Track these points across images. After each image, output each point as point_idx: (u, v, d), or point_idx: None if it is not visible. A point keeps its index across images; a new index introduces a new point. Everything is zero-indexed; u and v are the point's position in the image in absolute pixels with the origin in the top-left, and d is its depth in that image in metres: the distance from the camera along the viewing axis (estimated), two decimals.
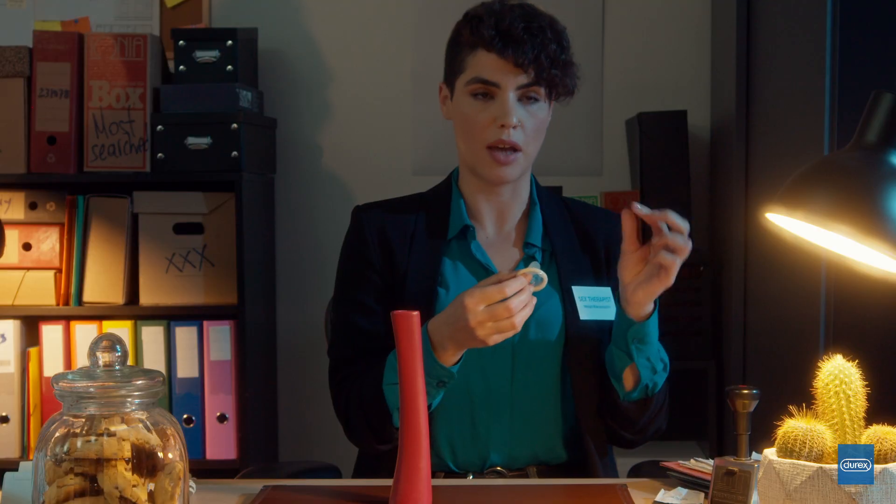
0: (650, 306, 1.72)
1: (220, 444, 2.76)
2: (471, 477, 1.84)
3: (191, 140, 2.73)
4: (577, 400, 1.85)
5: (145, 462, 1.30)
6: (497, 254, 1.89)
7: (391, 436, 1.79)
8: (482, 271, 1.85)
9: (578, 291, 1.81)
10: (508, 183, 1.86)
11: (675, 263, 1.66)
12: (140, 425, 1.31)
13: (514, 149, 1.81)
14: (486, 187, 1.89)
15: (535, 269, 1.64)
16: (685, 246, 1.66)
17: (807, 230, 1.44)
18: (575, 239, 1.91)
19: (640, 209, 1.67)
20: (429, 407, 1.75)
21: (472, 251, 1.88)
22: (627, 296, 1.72)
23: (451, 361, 1.71)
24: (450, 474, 1.86)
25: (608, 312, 1.84)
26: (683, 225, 1.67)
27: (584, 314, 1.83)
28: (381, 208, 1.95)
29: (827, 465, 1.33)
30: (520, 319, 1.62)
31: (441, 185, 1.97)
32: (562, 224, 1.91)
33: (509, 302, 1.61)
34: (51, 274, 2.77)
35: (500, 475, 1.85)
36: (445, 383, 1.72)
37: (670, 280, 1.67)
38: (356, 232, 1.93)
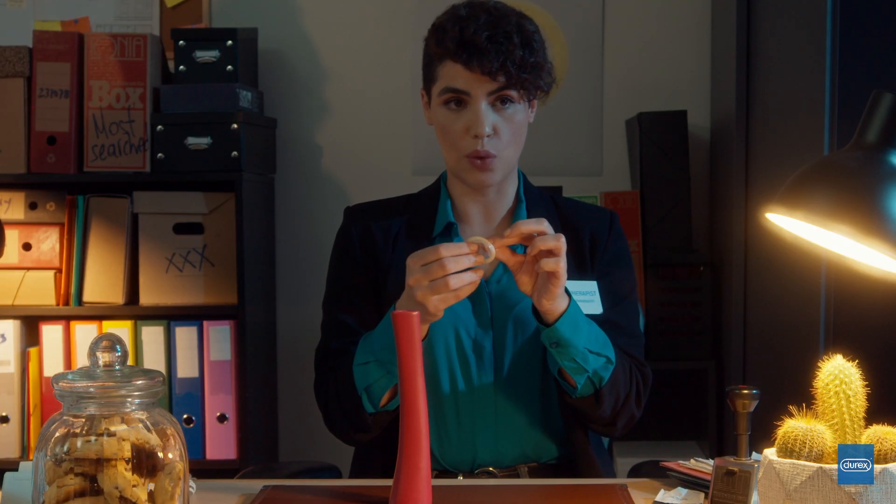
0: (561, 305, 1.70)
1: (220, 444, 2.76)
2: (460, 478, 1.84)
3: (191, 140, 2.73)
4: (561, 396, 1.84)
5: (145, 462, 1.30)
6: None
7: (365, 423, 1.79)
8: None
9: None
10: (491, 186, 1.87)
11: (559, 263, 1.64)
12: (140, 425, 1.31)
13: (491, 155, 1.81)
14: (470, 189, 1.90)
15: (480, 239, 1.63)
16: (557, 243, 1.63)
17: (807, 230, 1.44)
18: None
19: (493, 243, 1.64)
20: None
21: None
22: (536, 306, 1.71)
23: None
24: (441, 473, 1.86)
25: (591, 306, 1.84)
26: (539, 226, 1.65)
27: None
28: (369, 208, 1.98)
29: (827, 465, 1.33)
30: (456, 281, 1.61)
31: (431, 186, 1.98)
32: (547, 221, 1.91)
33: (444, 260, 1.60)
34: (51, 274, 2.78)
35: (490, 476, 1.84)
36: None
37: (561, 279, 1.65)
38: (343, 231, 1.96)
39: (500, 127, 1.80)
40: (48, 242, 2.79)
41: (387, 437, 1.84)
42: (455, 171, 1.88)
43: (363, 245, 1.91)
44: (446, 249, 1.62)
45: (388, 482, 1.56)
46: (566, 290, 1.71)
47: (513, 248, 1.69)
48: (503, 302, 1.84)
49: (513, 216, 1.92)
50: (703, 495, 1.58)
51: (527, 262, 1.67)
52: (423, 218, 1.92)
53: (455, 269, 1.61)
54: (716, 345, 2.87)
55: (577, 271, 1.88)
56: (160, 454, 1.31)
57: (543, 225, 1.65)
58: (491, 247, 1.64)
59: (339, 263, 1.95)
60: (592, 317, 1.81)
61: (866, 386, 1.38)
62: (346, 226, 1.96)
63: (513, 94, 1.80)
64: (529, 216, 1.90)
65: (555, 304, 1.68)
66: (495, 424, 1.85)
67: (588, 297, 1.85)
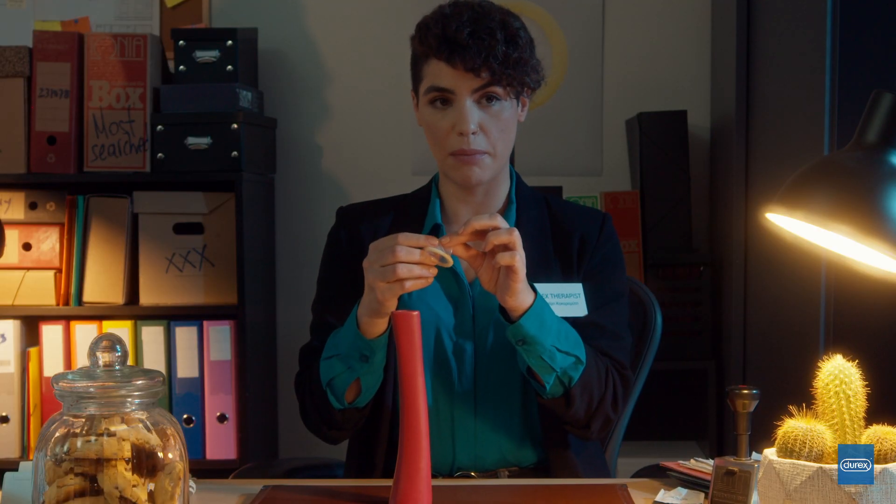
0: (526, 301, 1.67)
1: (220, 444, 2.76)
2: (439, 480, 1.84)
3: (191, 140, 2.73)
4: (537, 398, 1.82)
5: (145, 462, 1.30)
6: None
7: (334, 418, 1.79)
8: (449, 272, 1.84)
9: (539, 289, 1.76)
10: (479, 185, 1.85)
11: (515, 257, 1.62)
12: (140, 425, 1.31)
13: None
14: (460, 190, 1.88)
15: (437, 251, 1.61)
16: (510, 236, 1.61)
17: (807, 230, 1.44)
18: (548, 238, 1.89)
19: (449, 241, 1.62)
20: (367, 389, 1.75)
21: None
22: (500, 303, 1.69)
23: (371, 332, 1.69)
24: None
25: (575, 309, 1.82)
26: (493, 221, 1.63)
27: None
28: (360, 209, 1.97)
29: (827, 465, 1.33)
30: (405, 270, 1.59)
31: (423, 188, 1.97)
32: (537, 223, 1.89)
33: (395, 246, 1.60)
34: (51, 274, 2.78)
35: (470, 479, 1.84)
36: (368, 357, 1.70)
37: (519, 273, 1.63)
38: (332, 232, 1.96)
39: (487, 124, 1.79)
40: (48, 242, 2.79)
41: (373, 437, 1.84)
42: (442, 169, 1.87)
43: (351, 246, 1.91)
44: (404, 238, 1.60)
45: (388, 482, 1.57)
46: (533, 287, 1.69)
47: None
48: (486, 306, 1.83)
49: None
50: (703, 495, 1.58)
51: (486, 258, 1.66)
52: (411, 219, 1.91)
53: (405, 259, 1.59)
54: (716, 345, 2.87)
55: (563, 274, 1.87)
56: (160, 454, 1.31)
57: (497, 220, 1.63)
58: (448, 257, 1.61)
59: (327, 265, 1.95)
60: (576, 319, 1.80)
61: (866, 386, 1.38)
62: (336, 227, 1.96)
63: (498, 90, 1.78)
64: (520, 218, 1.89)
65: (518, 301, 1.66)
66: (475, 428, 1.83)
67: (573, 299, 1.83)
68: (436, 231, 1.89)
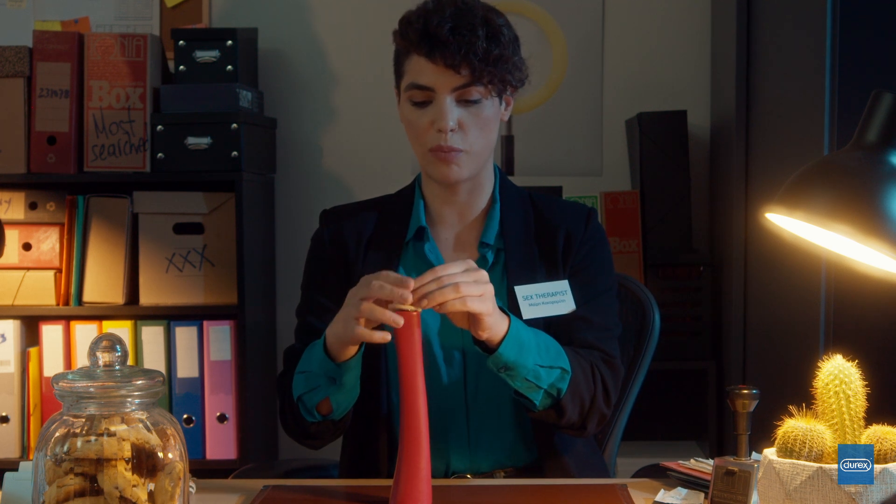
0: (501, 330, 1.64)
1: (220, 444, 2.76)
2: None
3: (191, 140, 2.73)
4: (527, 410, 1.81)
5: (145, 462, 1.30)
6: (453, 255, 1.86)
7: (307, 430, 1.78)
8: None
9: (522, 291, 1.75)
10: (458, 182, 1.83)
11: (466, 302, 1.57)
12: (140, 425, 1.31)
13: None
14: (444, 190, 1.87)
15: (407, 308, 1.56)
16: (455, 293, 1.56)
17: (807, 230, 1.44)
18: (532, 236, 1.87)
19: (418, 303, 1.57)
20: (339, 407, 1.73)
21: (425, 253, 1.86)
22: (476, 337, 1.66)
23: (341, 355, 1.66)
24: None
25: (561, 307, 1.80)
26: (415, 283, 1.58)
27: (528, 313, 1.78)
28: (344, 211, 1.95)
29: (827, 465, 1.33)
30: (365, 332, 1.57)
31: (406, 188, 1.95)
32: (521, 221, 1.88)
33: (360, 303, 1.57)
34: (51, 274, 2.78)
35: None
36: (335, 379, 1.69)
37: (479, 312, 1.59)
38: (316, 235, 1.94)
39: (466, 121, 1.78)
40: (48, 242, 2.79)
41: (371, 443, 1.84)
42: (423, 166, 1.85)
43: (334, 246, 1.89)
44: (378, 289, 1.56)
45: (388, 482, 1.57)
46: (504, 310, 1.66)
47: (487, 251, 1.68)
48: None
49: (486, 217, 1.88)
50: (703, 495, 1.58)
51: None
52: (397, 221, 1.89)
53: (368, 317, 1.56)
54: (716, 345, 2.88)
55: (548, 274, 1.86)
56: (160, 454, 1.31)
57: (436, 274, 1.58)
58: (418, 309, 1.57)
59: (311, 267, 1.93)
60: (562, 317, 1.79)
61: (866, 386, 1.39)
62: (319, 229, 1.94)
63: (479, 90, 1.77)
64: (504, 217, 1.87)
65: (491, 333, 1.63)
66: (468, 432, 1.83)
67: (559, 297, 1.81)
68: (420, 235, 1.87)
